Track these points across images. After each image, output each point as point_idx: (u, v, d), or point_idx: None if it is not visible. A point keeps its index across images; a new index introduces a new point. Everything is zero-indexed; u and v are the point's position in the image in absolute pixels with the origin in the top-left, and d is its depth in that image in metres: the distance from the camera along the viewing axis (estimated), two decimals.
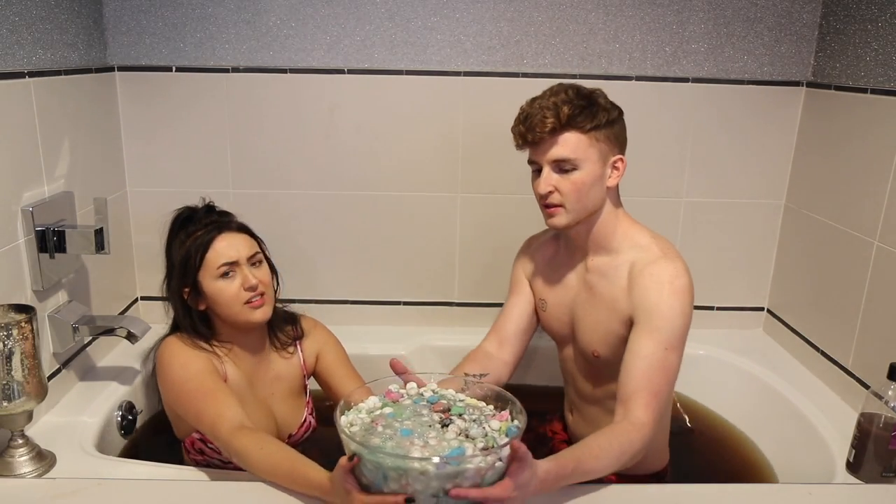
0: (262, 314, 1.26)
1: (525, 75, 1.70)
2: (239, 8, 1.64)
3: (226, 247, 1.24)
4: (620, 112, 1.21)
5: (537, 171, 1.21)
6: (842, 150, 1.57)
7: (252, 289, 1.24)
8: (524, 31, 1.68)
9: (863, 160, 1.49)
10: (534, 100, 1.19)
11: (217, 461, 1.28)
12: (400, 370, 1.11)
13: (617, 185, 1.23)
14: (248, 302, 1.25)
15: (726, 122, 1.75)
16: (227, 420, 1.14)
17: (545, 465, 0.98)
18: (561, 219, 1.20)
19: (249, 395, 1.32)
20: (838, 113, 1.59)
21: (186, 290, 1.26)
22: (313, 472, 1.04)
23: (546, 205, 1.20)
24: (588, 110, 1.15)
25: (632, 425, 1.11)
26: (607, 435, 1.11)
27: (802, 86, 1.73)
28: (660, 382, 1.14)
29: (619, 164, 1.21)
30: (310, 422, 1.40)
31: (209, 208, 1.32)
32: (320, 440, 1.42)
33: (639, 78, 1.70)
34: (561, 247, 1.36)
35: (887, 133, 1.41)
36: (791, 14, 1.68)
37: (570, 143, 1.16)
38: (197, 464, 1.30)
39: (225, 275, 1.24)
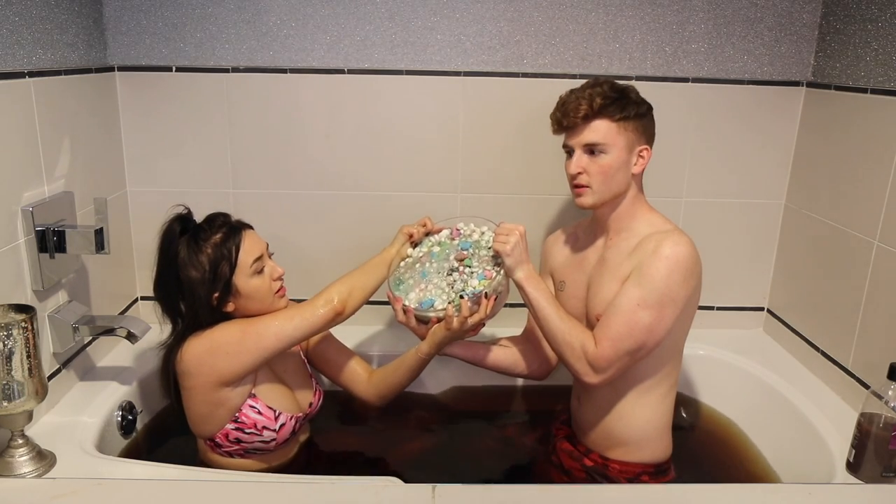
0: (286, 301, 1.36)
1: (525, 75, 1.70)
2: (239, 8, 1.64)
3: (251, 244, 1.30)
4: (649, 108, 1.32)
5: (569, 154, 1.33)
6: (842, 150, 1.57)
7: (280, 278, 1.34)
8: (524, 31, 1.68)
9: (863, 160, 1.49)
10: (572, 90, 1.32)
11: (258, 443, 1.32)
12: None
13: (641, 174, 1.33)
14: (276, 291, 1.33)
15: (726, 122, 1.75)
16: (299, 305, 1.31)
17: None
18: (587, 199, 1.32)
19: (270, 373, 1.37)
20: (838, 113, 1.59)
21: (216, 295, 1.27)
22: (380, 258, 1.43)
23: (575, 185, 1.32)
24: (619, 102, 1.27)
25: (593, 341, 1.27)
26: (579, 323, 1.33)
27: (802, 86, 1.73)
28: (620, 331, 1.24)
29: (644, 154, 1.31)
30: (320, 390, 1.50)
31: (212, 218, 1.31)
32: (334, 402, 1.59)
33: (639, 78, 1.70)
34: (580, 235, 1.45)
35: (887, 133, 1.40)
36: (791, 14, 1.68)
37: (600, 130, 1.28)
38: (230, 455, 1.34)
39: (259, 271, 1.30)
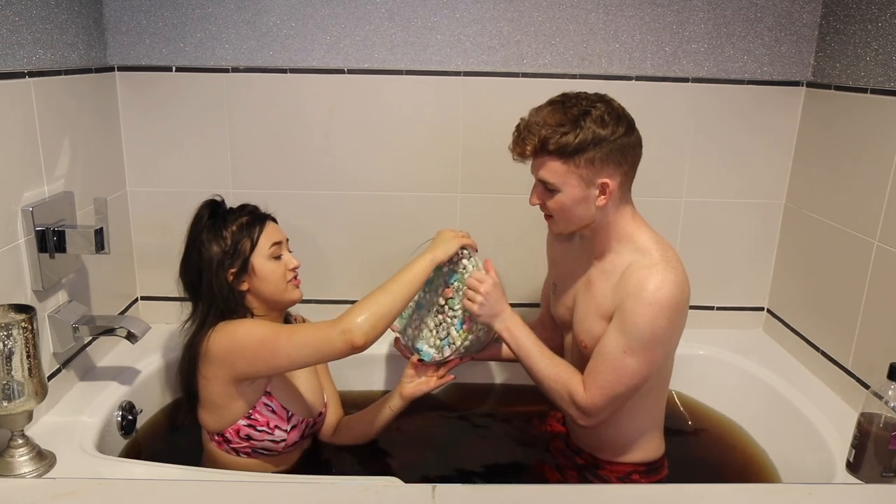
0: (301, 293, 1.39)
1: (525, 75, 1.70)
2: (239, 8, 1.64)
3: (273, 230, 1.37)
4: (615, 129, 1.17)
5: None
6: (842, 150, 1.57)
7: (295, 269, 1.38)
8: (524, 31, 1.68)
9: (863, 160, 1.49)
10: (531, 112, 1.22)
11: (268, 442, 1.34)
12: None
13: (610, 204, 1.22)
14: (290, 281, 1.37)
15: (726, 121, 1.75)
16: (327, 321, 1.25)
17: (515, 312, 1.33)
18: (555, 228, 1.30)
19: (283, 375, 1.40)
20: (838, 113, 1.58)
21: (233, 270, 1.32)
22: (414, 274, 1.29)
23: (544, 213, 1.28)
24: (569, 135, 1.15)
25: (581, 389, 1.25)
26: (568, 367, 1.29)
27: (802, 86, 1.73)
28: (609, 379, 1.22)
29: (605, 187, 1.19)
30: (326, 404, 1.52)
31: (243, 205, 1.40)
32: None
33: (639, 78, 1.70)
34: (577, 239, 1.39)
35: (887, 133, 1.40)
36: (791, 14, 1.68)
37: (548, 168, 1.19)
38: (237, 453, 1.34)
39: (276, 257, 1.35)
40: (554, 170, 1.18)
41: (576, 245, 1.39)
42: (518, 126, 1.22)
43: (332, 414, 1.54)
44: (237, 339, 1.27)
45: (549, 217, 1.27)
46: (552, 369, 1.28)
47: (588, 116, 1.16)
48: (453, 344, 1.38)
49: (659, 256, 1.21)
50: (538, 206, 1.26)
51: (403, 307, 1.28)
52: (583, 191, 1.19)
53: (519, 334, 1.31)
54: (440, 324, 1.41)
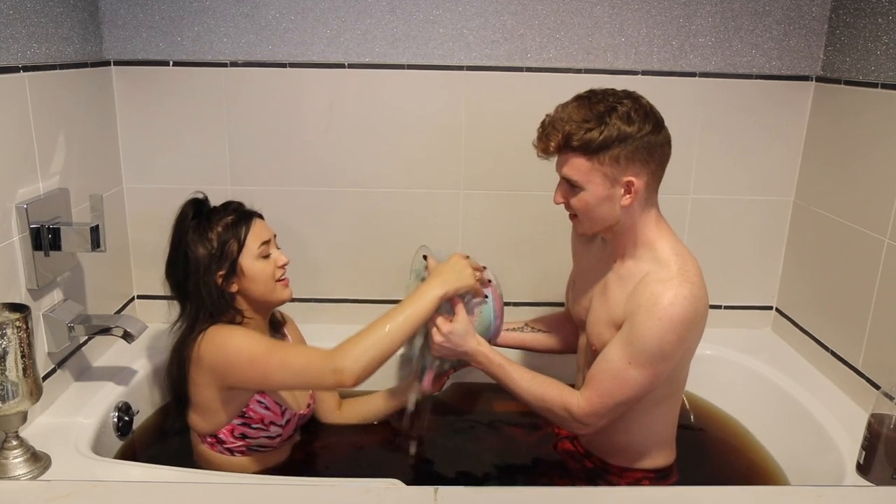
0: (290, 292, 1.38)
1: (529, 69, 1.68)
2: (237, 1, 1.63)
3: (260, 228, 1.35)
4: (641, 127, 1.14)
5: None
6: (852, 146, 1.55)
7: (283, 266, 1.36)
8: (528, 25, 1.65)
9: (873, 156, 1.47)
10: (557, 108, 1.19)
11: (263, 439, 1.34)
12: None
13: (636, 203, 1.19)
14: (279, 280, 1.35)
15: (734, 117, 1.73)
16: (321, 351, 1.24)
17: (484, 345, 1.32)
18: (579, 227, 1.27)
19: None
20: (848, 108, 1.57)
21: (221, 273, 1.30)
22: (418, 296, 1.26)
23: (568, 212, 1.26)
24: (593, 131, 1.13)
25: (576, 399, 1.25)
26: (553, 383, 1.29)
27: (812, 80, 1.70)
28: (610, 388, 1.21)
29: (631, 186, 1.16)
30: (313, 395, 1.51)
31: (227, 203, 1.37)
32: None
33: (645, 72, 1.68)
34: (598, 240, 1.37)
35: None
36: (800, 7, 1.66)
37: (573, 166, 1.17)
38: (231, 453, 1.34)
39: (265, 256, 1.33)
40: (578, 167, 1.16)
41: (597, 246, 1.37)
42: (543, 122, 1.19)
43: (330, 397, 1.56)
44: (229, 354, 1.26)
45: (573, 217, 1.25)
46: (539, 387, 1.28)
47: (614, 113, 1.13)
48: (434, 363, 1.43)
49: (676, 269, 1.18)
50: (562, 205, 1.24)
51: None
52: (607, 189, 1.17)
53: (490, 366, 1.32)
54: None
